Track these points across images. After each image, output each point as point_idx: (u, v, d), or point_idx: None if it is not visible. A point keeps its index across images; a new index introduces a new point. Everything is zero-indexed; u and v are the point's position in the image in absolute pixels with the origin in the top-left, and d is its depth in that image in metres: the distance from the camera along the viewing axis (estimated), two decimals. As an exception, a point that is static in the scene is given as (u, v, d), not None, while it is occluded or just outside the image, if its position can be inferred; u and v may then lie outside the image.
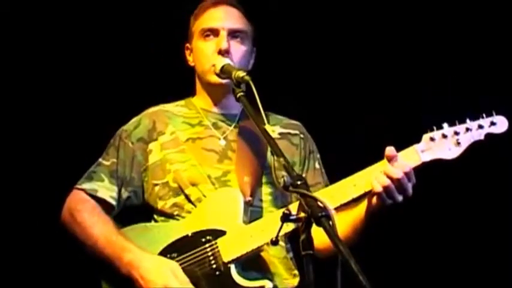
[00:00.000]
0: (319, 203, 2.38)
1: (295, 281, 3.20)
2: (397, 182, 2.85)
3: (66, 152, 4.21)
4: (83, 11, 4.34)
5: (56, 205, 3.30)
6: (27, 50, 4.33)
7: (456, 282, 4.46)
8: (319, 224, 2.35)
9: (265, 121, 2.83)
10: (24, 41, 4.32)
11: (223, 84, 3.21)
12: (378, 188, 2.86)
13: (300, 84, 4.53)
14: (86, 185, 3.25)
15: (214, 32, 3.26)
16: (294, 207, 2.72)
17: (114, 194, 3.25)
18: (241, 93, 2.97)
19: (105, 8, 4.34)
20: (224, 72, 3.12)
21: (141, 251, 3.08)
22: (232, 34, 3.26)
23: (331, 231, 2.32)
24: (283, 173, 2.53)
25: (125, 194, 3.27)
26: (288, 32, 4.50)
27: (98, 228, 3.15)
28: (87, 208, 3.21)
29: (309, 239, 2.42)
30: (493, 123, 2.99)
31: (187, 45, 3.39)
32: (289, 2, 4.51)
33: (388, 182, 2.84)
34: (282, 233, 2.70)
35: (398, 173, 2.84)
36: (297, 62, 4.53)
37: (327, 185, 3.25)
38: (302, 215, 2.43)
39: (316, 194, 2.49)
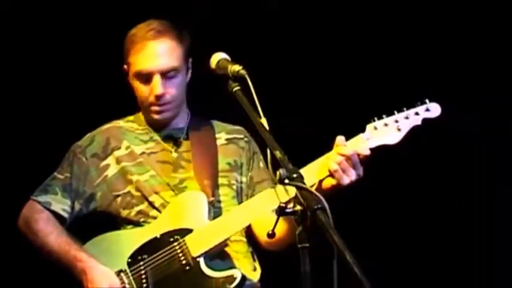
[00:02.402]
0: (314, 196, 2.43)
1: (257, 274, 3.32)
2: (350, 159, 2.99)
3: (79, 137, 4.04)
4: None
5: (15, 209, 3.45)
6: (27, 50, 4.33)
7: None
8: (314, 217, 2.39)
9: (261, 115, 2.82)
10: (24, 41, 4.32)
11: (165, 119, 3.38)
12: (334, 166, 2.98)
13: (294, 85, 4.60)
14: (41, 198, 3.39)
15: (148, 76, 3.30)
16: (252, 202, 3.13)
17: (67, 207, 3.38)
18: (237, 88, 2.93)
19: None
20: (220, 67, 3.06)
21: (91, 260, 3.23)
22: (165, 75, 3.30)
23: (326, 224, 2.36)
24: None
25: (77, 207, 3.40)
26: (285, 33, 4.56)
27: (53, 237, 3.31)
28: (43, 218, 3.36)
29: (305, 232, 2.45)
30: (427, 110, 3.19)
31: (125, 66, 3.40)
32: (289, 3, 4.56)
33: (342, 159, 2.99)
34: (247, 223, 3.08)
35: (349, 151, 3.00)
36: (292, 63, 4.60)
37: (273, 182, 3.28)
38: (298, 207, 2.47)
39: (310, 187, 2.52)
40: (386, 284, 3.35)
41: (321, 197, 2.41)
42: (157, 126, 3.43)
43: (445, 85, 4.42)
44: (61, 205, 3.35)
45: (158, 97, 3.30)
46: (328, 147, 3.17)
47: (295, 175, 2.49)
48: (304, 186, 2.46)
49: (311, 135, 4.26)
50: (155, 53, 3.30)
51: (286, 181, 2.49)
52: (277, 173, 2.50)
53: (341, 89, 4.65)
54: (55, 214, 3.36)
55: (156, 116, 3.36)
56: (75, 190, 3.37)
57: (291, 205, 2.52)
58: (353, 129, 3.12)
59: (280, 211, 2.52)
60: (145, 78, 3.30)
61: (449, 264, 4.69)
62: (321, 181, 3.06)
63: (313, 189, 2.47)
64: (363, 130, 3.11)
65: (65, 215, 3.36)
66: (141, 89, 3.33)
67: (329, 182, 3.03)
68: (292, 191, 2.81)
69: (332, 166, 2.98)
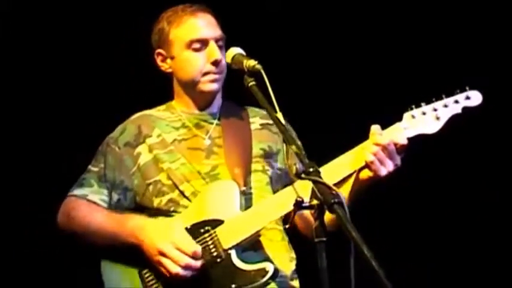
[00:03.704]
0: (331, 190, 2.44)
1: (293, 264, 3.27)
2: (387, 149, 2.97)
3: (79, 137, 4.24)
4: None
5: (68, 187, 3.37)
6: (27, 50, 4.35)
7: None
8: (332, 211, 2.41)
9: (277, 109, 2.86)
10: (24, 41, 4.34)
11: (215, 91, 3.35)
12: (370, 157, 2.96)
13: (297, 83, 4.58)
14: (77, 191, 3.33)
15: (203, 43, 3.30)
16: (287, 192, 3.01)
17: (104, 197, 3.32)
18: (253, 83, 2.99)
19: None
20: (235, 62, 3.13)
21: (144, 218, 3.18)
22: (217, 42, 3.31)
23: (344, 218, 2.38)
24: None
25: (115, 197, 3.32)
26: (286, 33, 4.58)
27: (98, 213, 3.25)
28: (81, 205, 3.30)
29: (322, 226, 2.48)
30: (467, 98, 3.13)
31: (159, 51, 3.40)
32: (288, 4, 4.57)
33: (378, 149, 2.96)
34: (279, 215, 2.99)
35: (386, 140, 2.98)
36: (296, 61, 4.60)
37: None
38: (315, 202, 2.49)
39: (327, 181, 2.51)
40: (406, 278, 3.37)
41: (338, 191, 2.43)
42: (190, 112, 3.37)
43: (486, 72, 4.31)
44: (98, 195, 3.30)
45: (217, 62, 3.27)
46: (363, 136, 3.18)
47: (311, 169, 2.51)
48: (320, 180, 2.47)
49: (345, 125, 4.23)
50: (207, 22, 3.32)
51: (303, 175, 2.51)
52: (294, 167, 2.53)
53: (377, 75, 4.60)
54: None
55: (211, 86, 3.30)
56: (110, 180, 3.31)
57: (307, 199, 2.51)
58: (389, 118, 3.11)
59: (297, 205, 2.52)
60: (200, 46, 3.29)
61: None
62: (357, 172, 3.05)
63: (331, 184, 2.46)
64: (399, 119, 3.08)
65: (104, 204, 3.29)
66: (195, 59, 3.29)
67: (366, 174, 3.03)
68: (332, 177, 2.93)
69: (368, 157, 2.96)
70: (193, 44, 3.29)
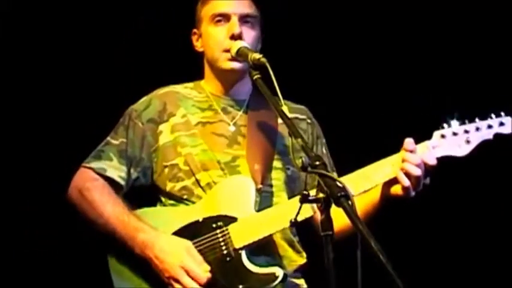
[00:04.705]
0: (337, 183, 2.40)
1: (303, 258, 3.22)
2: (418, 169, 2.92)
3: (79, 137, 4.17)
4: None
5: (59, 182, 3.32)
6: (27, 49, 4.33)
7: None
8: (338, 204, 2.36)
9: (282, 103, 2.85)
10: (24, 40, 4.31)
11: (234, 70, 3.22)
12: (403, 178, 2.92)
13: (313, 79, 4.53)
14: (94, 164, 3.24)
15: (226, 17, 3.24)
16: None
17: (123, 174, 3.24)
18: (258, 76, 2.99)
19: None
20: (240, 54, 3.12)
21: (155, 230, 3.08)
22: (243, 19, 3.24)
23: (350, 211, 2.33)
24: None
25: (134, 175, 3.25)
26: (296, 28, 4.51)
27: (109, 207, 3.14)
28: (97, 186, 3.20)
29: (329, 220, 2.44)
30: (502, 124, 3.04)
31: (195, 30, 3.37)
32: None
33: (409, 168, 2.91)
34: (301, 218, 2.75)
35: (418, 159, 2.92)
36: (308, 57, 4.54)
37: (332, 170, 3.30)
38: (321, 195, 2.45)
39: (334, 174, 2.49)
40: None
41: (345, 184, 2.38)
42: (218, 95, 3.31)
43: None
44: (117, 171, 3.21)
45: (234, 36, 3.17)
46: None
47: (317, 162, 2.47)
48: (327, 173, 2.43)
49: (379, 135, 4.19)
50: None
51: (309, 169, 2.47)
52: (300, 160, 2.48)
53: (353, 83, 4.55)
54: (110, 181, 3.21)
55: (230, 64, 3.20)
56: (131, 156, 3.22)
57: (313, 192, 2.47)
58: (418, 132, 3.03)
59: (303, 198, 2.48)
60: (221, 21, 3.23)
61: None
62: (382, 187, 3.02)
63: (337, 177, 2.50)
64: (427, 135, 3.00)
65: (122, 182, 3.21)
66: (216, 33, 3.23)
67: (392, 190, 2.99)
68: (357, 187, 2.93)
69: (401, 177, 2.92)
70: (215, 18, 3.24)
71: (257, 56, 3.01)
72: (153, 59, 4.40)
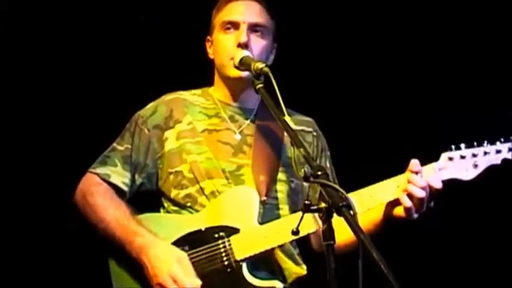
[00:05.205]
0: (339, 193, 2.41)
1: (303, 270, 3.19)
2: (423, 192, 2.91)
3: (78, 137, 4.23)
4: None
5: (68, 187, 3.32)
6: (27, 49, 4.33)
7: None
8: (340, 214, 2.37)
9: (285, 113, 2.84)
10: (24, 40, 4.32)
11: (241, 78, 3.20)
12: (406, 199, 2.92)
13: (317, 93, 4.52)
14: (100, 170, 3.27)
15: (235, 25, 3.25)
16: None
17: (127, 180, 3.26)
18: (261, 85, 2.99)
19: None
20: (243, 64, 3.13)
21: (153, 236, 3.09)
22: (253, 28, 3.25)
23: (352, 221, 2.34)
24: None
25: (138, 181, 3.28)
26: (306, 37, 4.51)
27: (111, 211, 3.17)
28: (100, 191, 3.23)
29: (330, 229, 2.44)
30: (510, 149, 3.01)
31: (208, 37, 3.39)
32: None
33: (414, 190, 2.91)
34: (304, 232, 2.85)
35: (423, 182, 2.91)
36: (317, 67, 4.54)
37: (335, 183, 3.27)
38: (323, 205, 2.45)
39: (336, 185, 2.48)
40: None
41: (346, 195, 2.39)
42: (226, 102, 3.31)
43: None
44: (121, 178, 3.24)
45: (240, 45, 3.18)
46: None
47: (319, 172, 2.48)
48: (329, 183, 2.43)
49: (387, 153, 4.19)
50: (245, 6, 3.27)
51: (311, 179, 2.48)
52: (302, 170, 2.49)
53: (358, 99, 4.54)
54: (114, 187, 3.24)
55: (235, 72, 3.19)
56: (135, 162, 3.25)
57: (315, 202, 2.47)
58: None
59: (305, 208, 2.47)
60: (230, 29, 3.23)
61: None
62: (385, 206, 3.02)
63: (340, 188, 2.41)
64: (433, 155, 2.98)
65: (125, 188, 3.24)
66: (225, 40, 3.24)
67: (395, 211, 3.00)
68: (362, 204, 2.93)
69: (404, 199, 2.92)
70: (225, 25, 3.26)
71: (260, 65, 3.01)
72: (155, 60, 4.41)
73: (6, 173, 4.25)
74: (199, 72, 3.44)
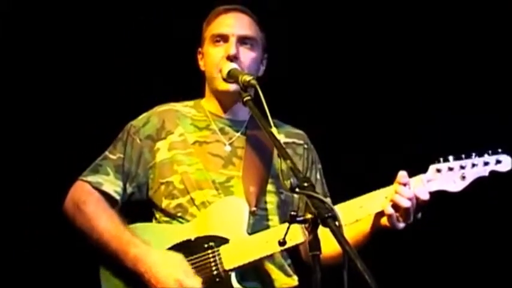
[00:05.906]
0: (325, 204, 2.43)
1: (294, 280, 3.23)
2: (409, 203, 2.94)
3: (69, 145, 4.26)
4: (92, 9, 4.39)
5: (68, 187, 3.33)
6: (27, 49, 4.35)
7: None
8: (325, 225, 2.39)
9: (272, 125, 2.87)
10: (24, 40, 4.34)
11: (230, 91, 3.24)
12: (390, 210, 2.95)
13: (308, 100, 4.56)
14: (91, 178, 3.28)
15: (224, 38, 3.29)
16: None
17: (119, 189, 3.28)
18: (248, 97, 3.02)
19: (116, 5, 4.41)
20: (231, 76, 3.17)
21: (147, 245, 3.11)
22: (242, 40, 3.29)
23: (337, 232, 2.36)
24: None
25: (129, 190, 3.30)
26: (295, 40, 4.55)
27: (104, 221, 3.18)
28: (92, 200, 3.24)
29: (316, 240, 2.46)
30: (498, 162, 3.06)
31: (200, 49, 3.43)
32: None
33: (400, 201, 2.93)
34: (291, 243, 2.89)
35: (410, 194, 2.94)
36: (306, 73, 4.58)
37: (326, 196, 3.33)
38: (309, 216, 2.47)
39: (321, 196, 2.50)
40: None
41: (332, 206, 2.42)
42: (217, 114, 3.34)
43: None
44: (113, 186, 3.25)
45: (229, 57, 3.22)
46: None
47: (305, 184, 2.49)
48: (315, 194, 2.45)
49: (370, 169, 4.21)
50: (234, 19, 3.32)
51: (297, 190, 2.50)
52: (288, 181, 2.53)
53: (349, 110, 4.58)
54: (106, 196, 3.25)
55: (224, 85, 3.22)
56: (127, 172, 3.27)
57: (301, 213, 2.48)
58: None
59: (291, 218, 2.48)
60: (220, 41, 3.27)
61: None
62: (374, 217, 3.04)
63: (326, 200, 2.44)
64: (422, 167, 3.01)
65: (117, 196, 3.25)
66: (214, 53, 3.27)
67: (382, 221, 3.02)
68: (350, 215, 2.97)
69: (388, 210, 2.95)
70: (215, 38, 3.30)
71: (247, 77, 3.05)
72: (155, 59, 4.44)
73: (6, 173, 4.27)
74: (199, 72, 3.47)
